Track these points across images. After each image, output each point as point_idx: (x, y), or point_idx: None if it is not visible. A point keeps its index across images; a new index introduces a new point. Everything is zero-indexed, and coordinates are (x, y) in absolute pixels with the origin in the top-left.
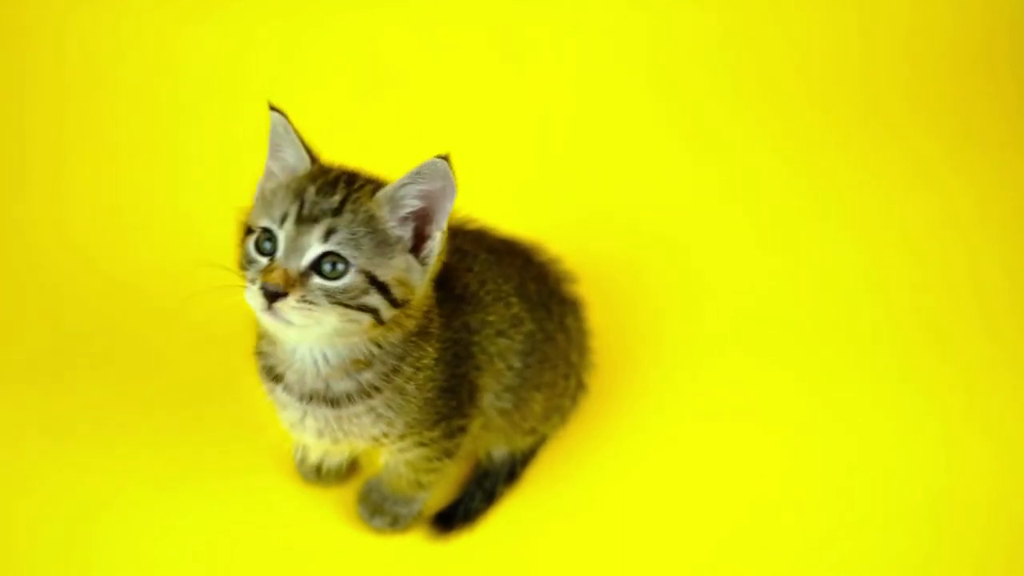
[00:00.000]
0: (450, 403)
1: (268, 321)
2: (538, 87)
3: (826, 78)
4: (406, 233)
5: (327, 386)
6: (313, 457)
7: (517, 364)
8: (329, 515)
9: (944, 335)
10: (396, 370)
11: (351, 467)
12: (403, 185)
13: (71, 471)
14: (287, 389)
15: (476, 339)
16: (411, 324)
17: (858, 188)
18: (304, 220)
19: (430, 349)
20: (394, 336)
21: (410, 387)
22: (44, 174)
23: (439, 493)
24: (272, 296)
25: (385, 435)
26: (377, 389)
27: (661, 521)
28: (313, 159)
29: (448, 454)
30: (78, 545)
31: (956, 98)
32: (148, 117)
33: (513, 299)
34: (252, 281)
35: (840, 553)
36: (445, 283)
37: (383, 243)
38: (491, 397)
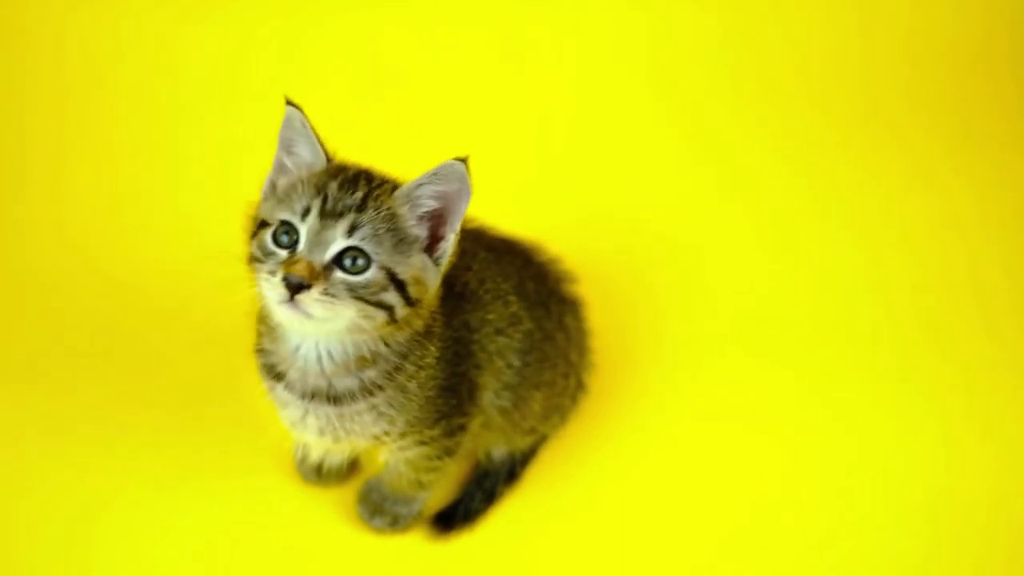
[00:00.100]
0: (450, 401)
1: (285, 313)
2: (539, 87)
3: (826, 78)
4: (423, 232)
5: (329, 384)
6: (314, 456)
7: (516, 362)
8: (329, 515)
9: (944, 335)
10: (399, 368)
11: (351, 467)
12: (420, 185)
13: (71, 471)
14: (288, 387)
15: (476, 337)
16: (419, 324)
17: (858, 188)
18: (328, 215)
19: (432, 348)
20: (401, 335)
21: (412, 385)
22: (44, 174)
23: (439, 493)
24: (296, 287)
25: (386, 433)
26: (379, 387)
27: (661, 521)
28: (328, 156)
29: (448, 453)
30: (78, 545)
31: (956, 98)
32: (148, 117)
33: (512, 298)
34: (272, 273)
35: (840, 553)
36: (445, 281)
37: (403, 241)
38: (491, 395)
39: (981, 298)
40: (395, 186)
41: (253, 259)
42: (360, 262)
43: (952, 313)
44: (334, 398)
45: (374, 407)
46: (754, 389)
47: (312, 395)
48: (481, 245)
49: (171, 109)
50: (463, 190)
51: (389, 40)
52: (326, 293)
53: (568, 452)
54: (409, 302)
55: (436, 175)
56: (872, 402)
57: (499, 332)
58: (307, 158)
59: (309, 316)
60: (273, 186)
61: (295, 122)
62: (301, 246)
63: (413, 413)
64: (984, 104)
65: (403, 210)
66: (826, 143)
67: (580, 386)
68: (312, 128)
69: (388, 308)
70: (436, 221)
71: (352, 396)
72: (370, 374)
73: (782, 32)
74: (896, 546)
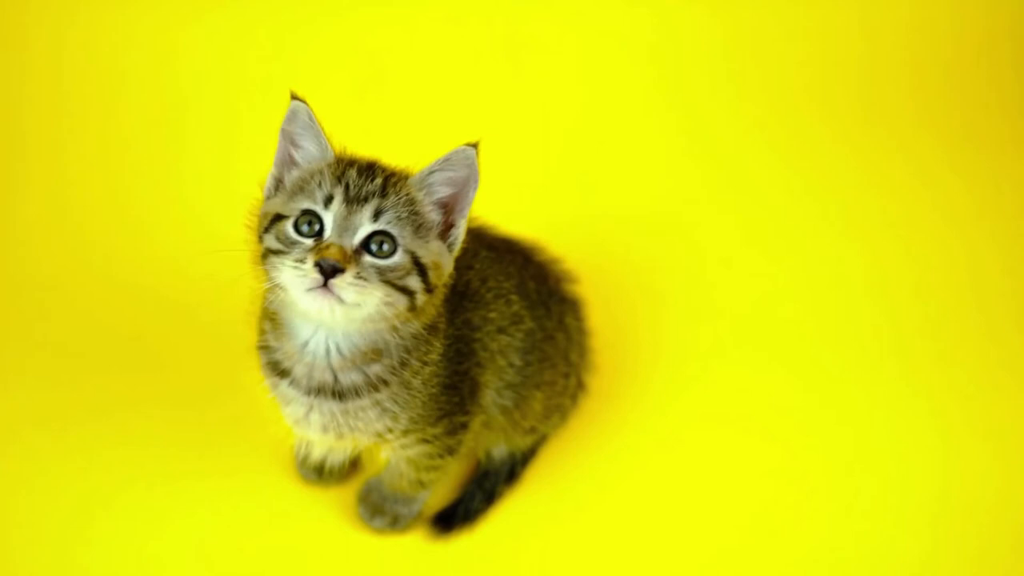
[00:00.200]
0: (453, 400)
1: (315, 301)
2: (540, 88)
3: (826, 78)
4: (438, 217)
5: (335, 379)
6: (316, 454)
7: (517, 361)
8: (329, 515)
9: (944, 336)
10: (404, 363)
11: (352, 466)
12: (432, 171)
13: (71, 469)
14: (294, 384)
15: (478, 336)
16: (428, 317)
17: (858, 188)
18: (352, 200)
19: (437, 344)
20: (412, 327)
21: (416, 382)
22: (44, 174)
23: (439, 493)
24: (330, 272)
25: (389, 430)
26: (384, 382)
27: (661, 521)
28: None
29: (450, 451)
30: (77, 543)
31: (956, 98)
32: (148, 116)
33: (513, 297)
34: (301, 261)
35: (840, 553)
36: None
37: (422, 226)
38: (492, 394)
39: (981, 298)
40: (407, 174)
41: (270, 253)
42: (386, 247)
43: (952, 313)
44: (339, 393)
45: (378, 403)
46: (754, 389)
47: (317, 391)
48: (482, 244)
49: (171, 108)
50: (472, 176)
51: (389, 39)
52: (359, 276)
53: (568, 452)
54: (428, 288)
55: (448, 161)
56: (872, 402)
57: (501, 331)
58: (313, 152)
59: (341, 301)
60: (277, 182)
61: (302, 116)
62: (328, 232)
63: (416, 410)
64: (984, 104)
65: (420, 195)
66: (826, 143)
67: (580, 386)
68: (318, 122)
69: (410, 294)
70: (448, 207)
71: (357, 391)
72: (375, 369)
73: (782, 32)
74: (896, 547)
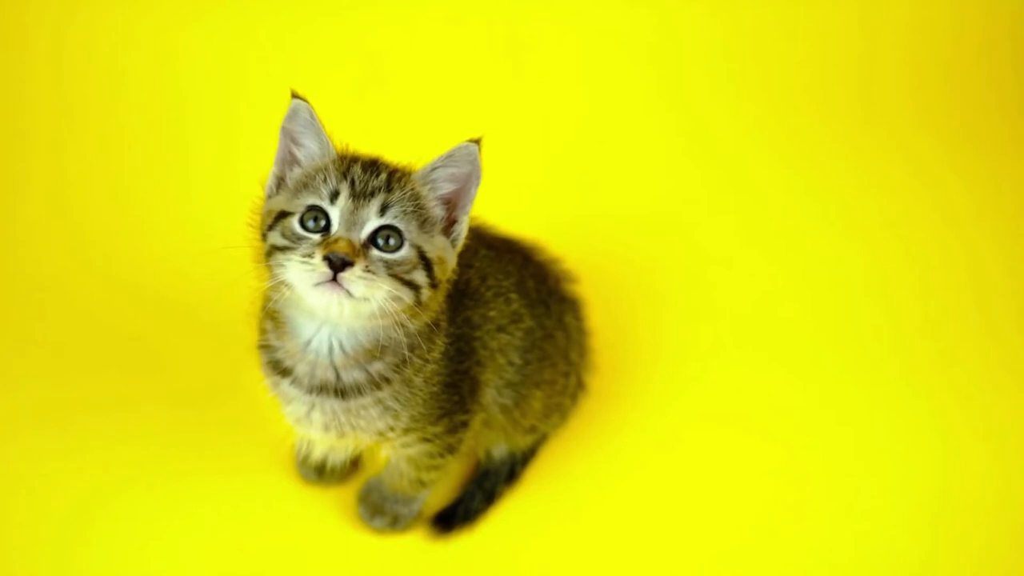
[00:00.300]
0: (453, 398)
1: (322, 296)
2: (540, 88)
3: (826, 78)
4: (441, 213)
5: (337, 377)
6: (317, 453)
7: (517, 360)
8: (329, 515)
9: (944, 336)
10: (406, 361)
11: (352, 466)
12: (436, 168)
13: (70, 468)
14: (295, 382)
15: (478, 334)
16: (432, 314)
17: (858, 188)
18: (358, 195)
19: (439, 342)
20: (414, 324)
21: (418, 379)
22: (44, 173)
23: (439, 493)
24: (339, 265)
25: (391, 428)
26: (387, 380)
27: (661, 521)
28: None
29: (450, 450)
30: (77, 543)
31: (956, 98)
32: (148, 116)
33: (513, 295)
34: (308, 255)
35: (840, 553)
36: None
37: (427, 221)
38: (492, 393)
39: (981, 298)
40: (410, 170)
41: (276, 250)
42: (393, 241)
43: (952, 313)
44: (341, 391)
45: (380, 401)
46: (754, 389)
47: (319, 389)
48: (482, 243)
49: (171, 108)
50: (474, 172)
51: (389, 39)
52: (367, 270)
53: (568, 452)
54: (433, 283)
55: (451, 157)
56: (872, 402)
57: (501, 329)
58: (315, 150)
59: (349, 295)
60: (279, 180)
61: (303, 114)
62: (336, 227)
63: (417, 408)
64: (984, 104)
65: (424, 191)
66: (826, 143)
67: (580, 385)
68: (319, 119)
69: (416, 288)
70: (451, 203)
71: (359, 389)
72: (378, 367)
73: (782, 32)
74: (896, 547)
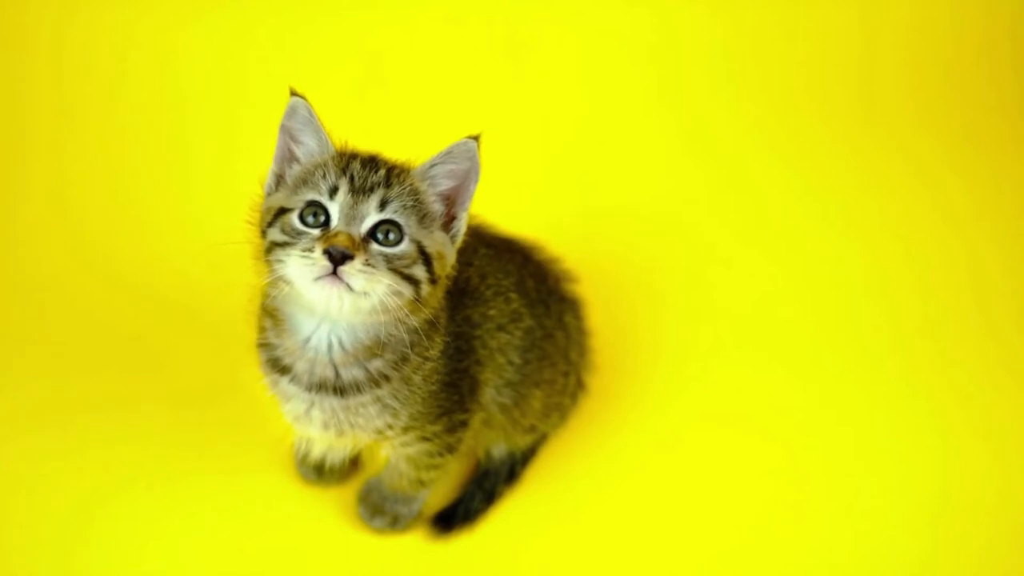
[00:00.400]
0: (452, 397)
1: (322, 290)
2: (540, 88)
3: (826, 78)
4: (441, 208)
5: (336, 374)
6: (316, 452)
7: (517, 359)
8: (329, 515)
9: (944, 336)
10: (405, 359)
11: (351, 466)
12: (434, 164)
13: (70, 468)
14: (295, 380)
15: (478, 333)
16: (431, 310)
17: (858, 188)
18: (357, 191)
19: (438, 340)
20: (414, 321)
21: (417, 378)
22: (44, 173)
23: (439, 493)
24: (339, 259)
25: (389, 427)
26: (386, 378)
27: (661, 521)
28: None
29: (450, 449)
30: (77, 543)
31: (956, 98)
32: (148, 115)
33: (513, 294)
34: (308, 250)
35: (840, 553)
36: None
37: (426, 216)
38: (492, 392)
39: (981, 298)
40: (409, 166)
41: (275, 246)
42: (392, 236)
43: (952, 313)
44: (340, 389)
45: (379, 399)
46: (754, 389)
47: (319, 387)
48: (481, 242)
49: (171, 108)
50: (473, 169)
51: (389, 39)
52: (367, 264)
53: (568, 452)
54: (433, 278)
55: (450, 154)
56: (872, 402)
57: (500, 328)
58: (313, 147)
59: (349, 289)
60: (278, 178)
61: (301, 111)
62: (335, 222)
63: (416, 407)
64: (984, 104)
65: (423, 186)
66: (826, 143)
67: (580, 385)
68: (317, 117)
69: (416, 283)
70: (450, 200)
71: (358, 387)
72: (377, 364)
73: (782, 32)
74: (896, 547)
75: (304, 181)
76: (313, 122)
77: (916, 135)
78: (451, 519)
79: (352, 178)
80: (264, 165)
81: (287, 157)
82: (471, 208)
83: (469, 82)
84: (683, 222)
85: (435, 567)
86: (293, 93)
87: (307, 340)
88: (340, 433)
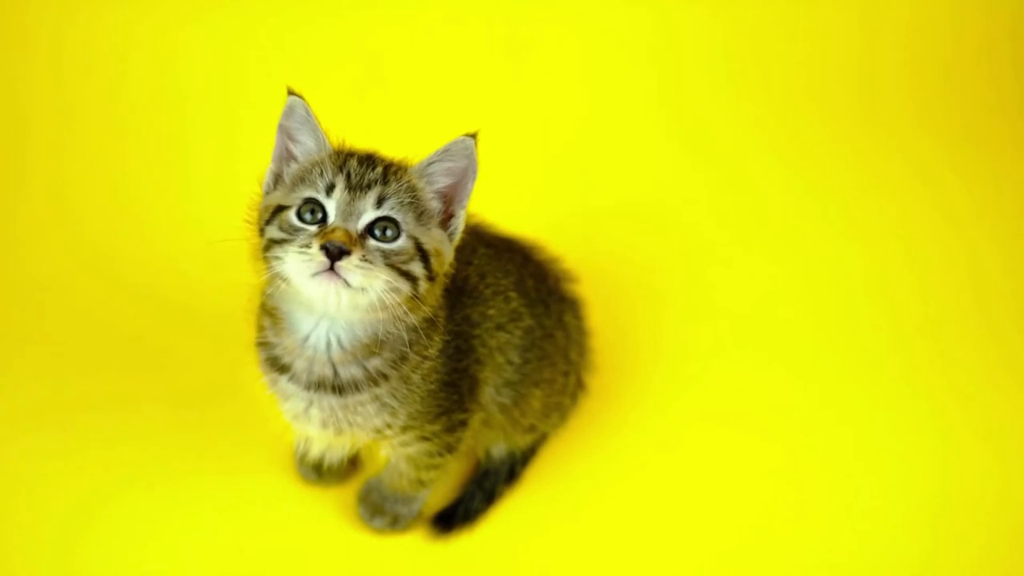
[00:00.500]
0: (452, 397)
1: (320, 286)
2: (540, 87)
3: (826, 78)
4: (439, 206)
5: (335, 373)
6: (315, 451)
7: (516, 359)
8: (329, 515)
9: (944, 336)
10: (403, 357)
11: (351, 465)
12: (432, 162)
13: (69, 468)
14: (293, 379)
15: (477, 332)
16: (429, 308)
17: (858, 188)
18: (354, 188)
19: (436, 339)
20: (412, 319)
21: (415, 376)
22: (44, 173)
23: (439, 493)
24: (336, 254)
25: (388, 426)
26: (384, 376)
27: (661, 521)
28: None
29: (449, 449)
30: (77, 543)
31: (956, 98)
32: (148, 115)
33: (512, 294)
34: (306, 245)
35: (840, 553)
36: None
37: (424, 213)
38: (491, 392)
39: (981, 298)
40: (406, 164)
41: (273, 243)
42: (390, 232)
43: (952, 313)
44: (339, 388)
45: (377, 397)
46: (754, 389)
47: (317, 385)
48: (481, 241)
49: (171, 108)
50: (470, 167)
51: (389, 39)
52: (364, 259)
53: (568, 452)
54: (431, 275)
55: (447, 151)
56: (872, 402)
57: (500, 328)
58: (311, 146)
59: (347, 285)
60: (276, 177)
61: (299, 110)
62: (332, 219)
63: (415, 406)
64: (984, 104)
65: (420, 184)
66: (826, 143)
67: (580, 385)
68: (314, 116)
69: (413, 280)
70: (448, 198)
71: (357, 386)
72: (375, 363)
73: (782, 32)
74: (896, 547)
75: (301, 179)
76: (310, 121)
77: (916, 135)
78: (451, 519)
79: (349, 175)
80: (263, 165)
81: (285, 156)
82: (470, 207)
83: (469, 82)
84: (683, 222)
85: (435, 567)
86: (290, 92)
87: (306, 338)
88: (339, 432)
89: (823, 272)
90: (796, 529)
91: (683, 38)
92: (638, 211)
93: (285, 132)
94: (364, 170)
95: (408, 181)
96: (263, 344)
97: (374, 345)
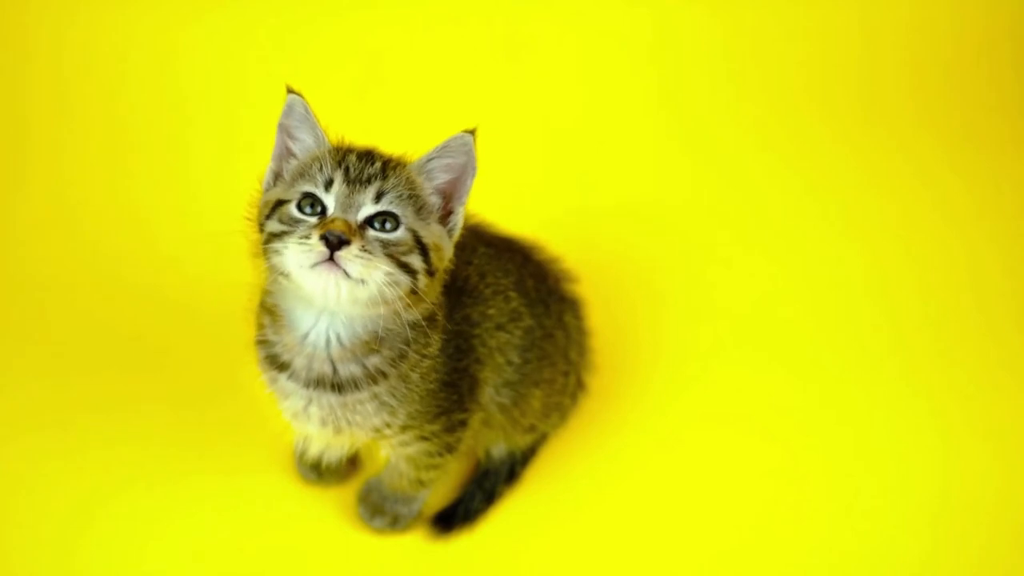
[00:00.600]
0: (451, 396)
1: (319, 277)
2: (539, 87)
3: (826, 78)
4: (438, 201)
5: (334, 370)
6: (314, 450)
7: (516, 359)
8: (329, 515)
9: (944, 336)
10: (403, 356)
11: (351, 465)
12: (431, 159)
13: (69, 467)
14: (293, 376)
15: (477, 332)
16: (428, 305)
17: (858, 188)
18: (353, 182)
19: (435, 337)
20: (411, 316)
21: (414, 375)
22: (44, 173)
23: (439, 493)
24: (336, 244)
25: (387, 425)
26: (383, 374)
27: (661, 521)
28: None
29: (449, 449)
30: (77, 543)
31: (956, 98)
32: (148, 115)
33: (512, 294)
34: (306, 236)
35: (840, 553)
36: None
37: (423, 208)
38: (491, 392)
39: (981, 298)
40: (405, 160)
41: (273, 237)
42: (388, 224)
43: (952, 313)
44: (338, 386)
45: (376, 396)
46: (754, 389)
47: (317, 383)
48: (481, 241)
49: (171, 108)
50: (469, 163)
51: (389, 39)
52: (364, 249)
53: (568, 452)
54: (430, 270)
55: (446, 148)
56: (872, 402)
57: (500, 328)
58: (310, 143)
59: (346, 276)
60: (276, 175)
61: (298, 108)
62: (331, 211)
63: (414, 405)
64: (984, 104)
65: (419, 180)
66: (826, 143)
67: (580, 385)
68: (313, 114)
69: (413, 273)
70: (447, 194)
71: (356, 384)
72: (375, 360)
73: (782, 32)
74: (896, 547)
75: (301, 174)
76: (309, 119)
77: (916, 135)
78: (451, 519)
79: (348, 170)
80: (263, 164)
81: (285, 154)
82: (470, 206)
83: (469, 81)
84: (683, 222)
85: (435, 567)
86: (290, 91)
87: (305, 335)
88: (338, 430)
89: (823, 272)
90: (796, 529)
91: (683, 38)
92: (638, 211)
93: (285, 130)
94: (363, 165)
95: (407, 176)
96: (262, 342)
97: (374, 342)
